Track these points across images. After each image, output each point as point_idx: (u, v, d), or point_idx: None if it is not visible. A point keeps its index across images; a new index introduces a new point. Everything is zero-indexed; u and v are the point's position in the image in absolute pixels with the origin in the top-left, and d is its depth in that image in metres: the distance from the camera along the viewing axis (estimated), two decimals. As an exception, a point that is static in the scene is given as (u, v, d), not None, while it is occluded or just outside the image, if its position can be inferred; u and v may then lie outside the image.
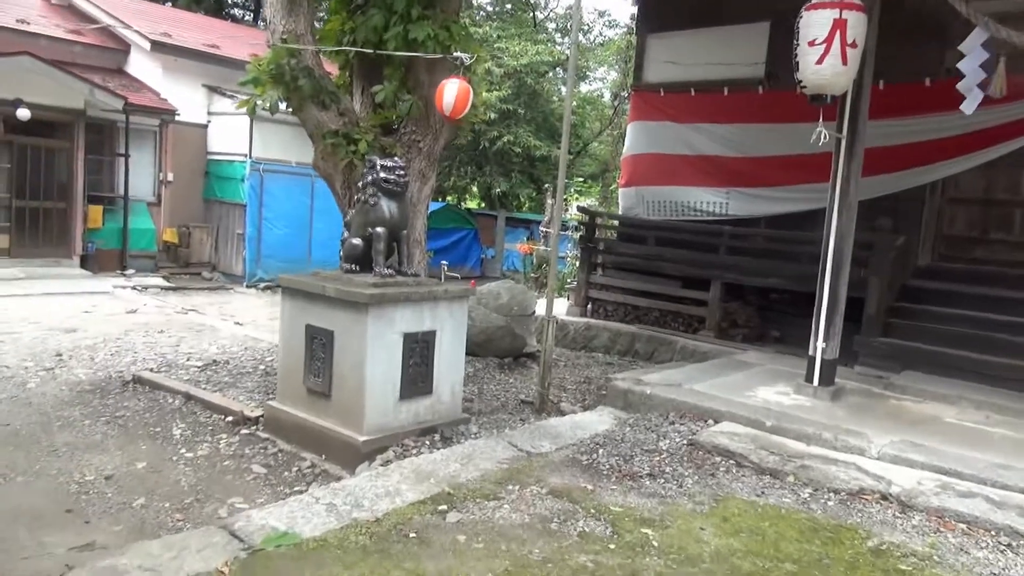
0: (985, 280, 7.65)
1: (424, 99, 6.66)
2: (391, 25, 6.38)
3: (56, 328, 9.06)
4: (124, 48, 15.83)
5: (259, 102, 6.33)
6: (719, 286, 8.81)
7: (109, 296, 11.89)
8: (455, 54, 5.92)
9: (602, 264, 10.14)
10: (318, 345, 4.99)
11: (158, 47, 14.85)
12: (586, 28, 23.20)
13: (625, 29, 22.53)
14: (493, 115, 18.05)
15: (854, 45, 5.30)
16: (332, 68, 7.52)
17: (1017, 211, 7.83)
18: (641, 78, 10.38)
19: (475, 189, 23.87)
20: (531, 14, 23.06)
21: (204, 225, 15.49)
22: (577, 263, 16.26)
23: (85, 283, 12.48)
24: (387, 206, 5.04)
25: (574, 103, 23.46)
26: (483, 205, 26.74)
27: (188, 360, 7.60)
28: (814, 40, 5.32)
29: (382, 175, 5.01)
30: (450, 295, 5.23)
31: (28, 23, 14.72)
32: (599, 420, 5.72)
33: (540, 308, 9.09)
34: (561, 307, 10.68)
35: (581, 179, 25.63)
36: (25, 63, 11.99)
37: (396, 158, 5.35)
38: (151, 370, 6.99)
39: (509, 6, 22.85)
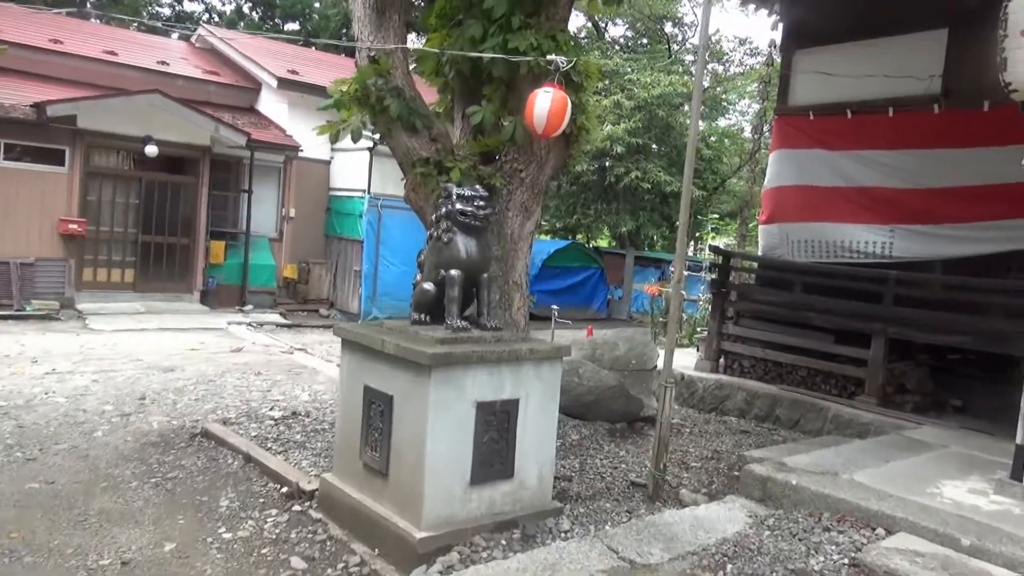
0: None
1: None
2: (488, 36, 5.55)
3: (155, 367, 8.79)
4: (255, 87, 16.11)
5: (343, 128, 5.64)
6: (882, 342, 7.29)
7: (222, 333, 11.73)
8: (550, 57, 4.98)
9: (738, 312, 8.81)
10: (376, 412, 4.11)
11: (284, 84, 14.95)
12: (725, 56, 21.83)
13: (767, 55, 21.02)
14: (621, 149, 17.03)
15: (1089, 33, 3.92)
16: (433, 95, 6.83)
17: None
18: (786, 101, 9.08)
19: (604, 228, 22.86)
20: (666, 45, 21.95)
21: (323, 261, 15.32)
22: (709, 306, 14.94)
23: (202, 319, 12.43)
24: (464, 244, 4.13)
25: (711, 137, 22.07)
26: (613, 244, 25.64)
27: (271, 409, 6.98)
28: (1031, 28, 3.98)
29: (458, 206, 4.12)
30: (538, 355, 4.22)
31: (168, 64, 15.24)
32: (728, 517, 4.50)
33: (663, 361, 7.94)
34: (689, 360, 9.41)
35: (717, 216, 24.05)
36: (155, 100, 12.21)
37: (477, 187, 4.45)
38: (225, 421, 6.40)
39: (645, 41, 21.93)
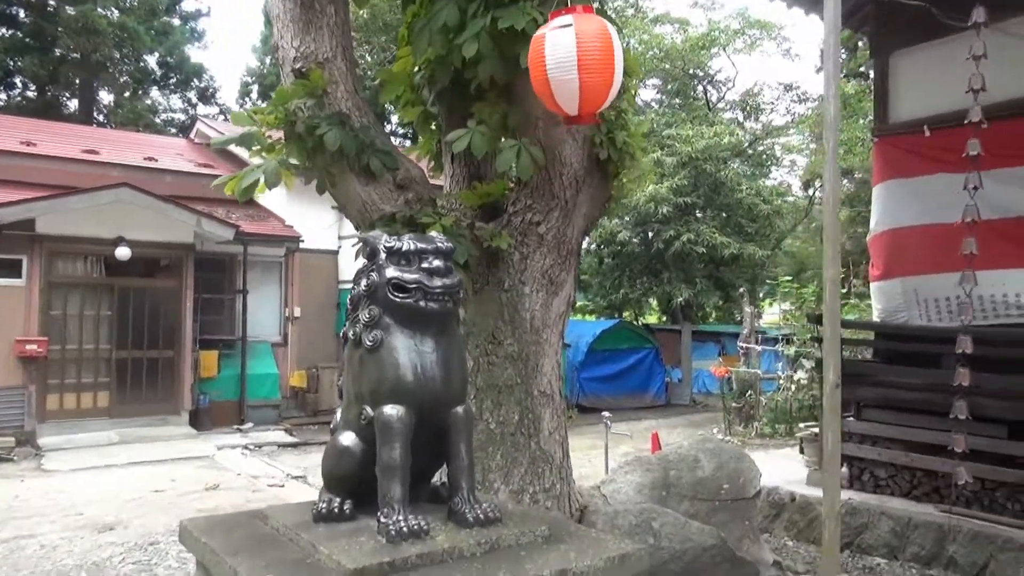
0: None
1: (542, 146, 3.79)
2: (469, 20, 3.59)
3: (92, 524, 6.77)
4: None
5: (257, 176, 3.66)
6: (1098, 437, 4.89)
7: (205, 463, 9.68)
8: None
9: (860, 402, 6.46)
10: None
11: (296, 171, 13.33)
12: (770, 108, 19.93)
13: (817, 103, 19.03)
14: (667, 210, 14.96)
15: None
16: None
17: None
18: (887, 118, 6.94)
19: (652, 301, 20.61)
20: (702, 89, 20.06)
21: (336, 365, 13.31)
22: (792, 387, 12.44)
23: (186, 446, 10.42)
24: (408, 351, 2.07)
25: (764, 195, 19.95)
26: (664, 319, 23.30)
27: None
28: None
29: (391, 274, 2.06)
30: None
31: (156, 160, 13.83)
32: None
33: (765, 475, 5.62)
34: (792, 468, 7.04)
35: (773, 280, 21.57)
36: (124, 195, 10.59)
37: (433, 234, 2.38)
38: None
39: (678, 101, 20.24)
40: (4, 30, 23.39)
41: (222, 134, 13.68)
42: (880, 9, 6.83)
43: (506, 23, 3.37)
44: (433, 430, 2.13)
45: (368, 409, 2.06)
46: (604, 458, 6.48)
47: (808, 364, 11.79)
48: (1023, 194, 5.86)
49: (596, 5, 3.06)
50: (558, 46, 2.72)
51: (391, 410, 2.00)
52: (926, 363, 6.04)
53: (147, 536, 6.41)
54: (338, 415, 2.38)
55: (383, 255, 2.13)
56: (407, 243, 2.14)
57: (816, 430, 6.98)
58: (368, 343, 2.06)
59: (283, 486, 8.48)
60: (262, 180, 3.58)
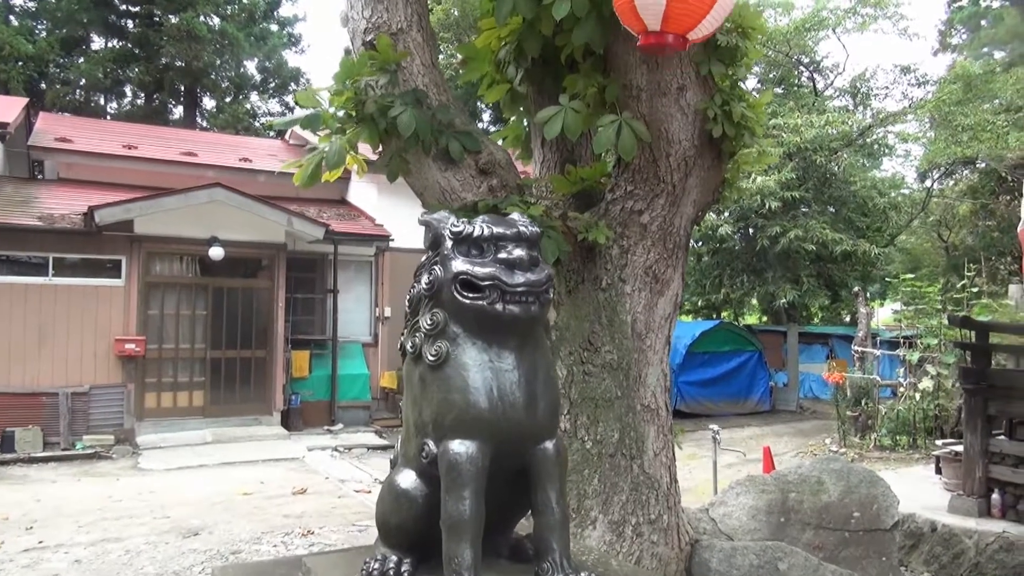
0: None
1: (646, 121, 3.27)
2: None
3: (178, 528, 6.65)
4: (345, 175, 14.49)
5: (319, 159, 3.28)
6: None
7: (295, 465, 9.56)
8: None
9: (1013, 420, 5.60)
10: None
11: (370, 167, 13.19)
12: (883, 93, 18.49)
13: (936, 86, 17.52)
14: (775, 204, 13.98)
15: None
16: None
17: None
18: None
19: (754, 301, 19.52)
20: (807, 76, 18.78)
21: (425, 366, 13.10)
22: (916, 395, 11.30)
23: (277, 447, 10.36)
24: (482, 369, 1.58)
25: (879, 188, 18.56)
26: (765, 320, 22.10)
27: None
28: None
29: (461, 267, 1.60)
30: None
31: (251, 161, 13.95)
32: None
33: (902, 501, 4.89)
34: (927, 491, 6.24)
35: (889, 278, 20.06)
36: (218, 195, 10.62)
37: (517, 216, 1.88)
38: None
39: (781, 89, 19.05)
40: (114, 41, 24.44)
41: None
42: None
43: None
44: (515, 469, 1.65)
45: (431, 444, 1.60)
46: (712, 476, 5.87)
47: (934, 371, 10.72)
48: None
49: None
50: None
51: (459, 447, 1.53)
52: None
53: (230, 544, 6.22)
54: (398, 445, 1.93)
55: (449, 242, 1.66)
56: (480, 227, 1.67)
57: (957, 448, 6.13)
58: (430, 358, 1.60)
59: (370, 491, 8.20)
60: (325, 165, 3.19)
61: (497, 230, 1.66)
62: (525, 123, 4.42)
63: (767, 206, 14.08)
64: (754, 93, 16.99)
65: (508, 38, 3.77)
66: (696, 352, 14.60)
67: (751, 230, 16.14)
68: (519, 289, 1.59)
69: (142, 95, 25.05)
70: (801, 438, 12.38)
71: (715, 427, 6.21)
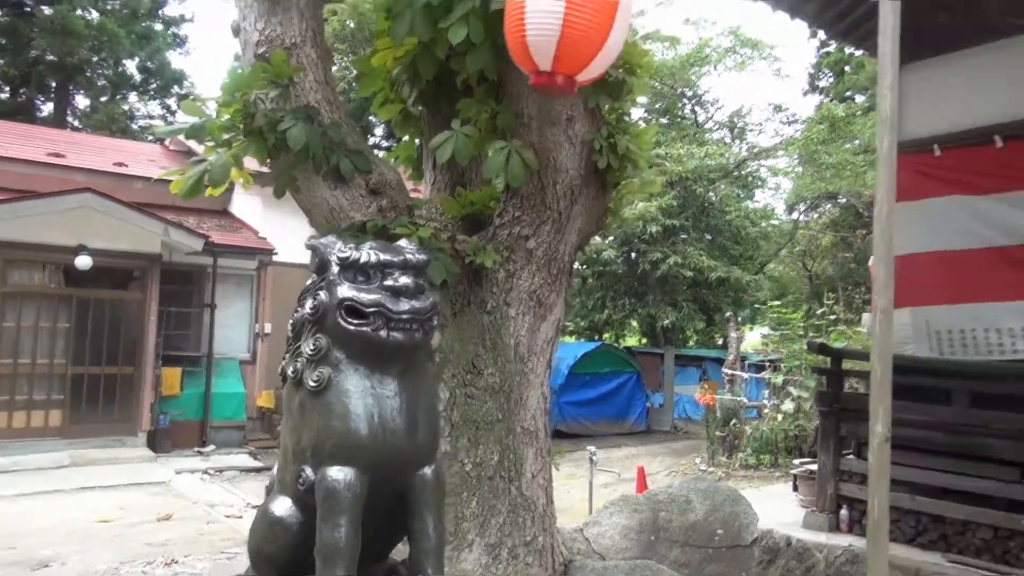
0: None
1: (535, 150, 3.36)
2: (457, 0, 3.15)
3: (25, 560, 6.16)
4: (228, 186, 14.02)
5: (200, 172, 3.19)
6: None
7: (160, 489, 9.08)
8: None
9: (861, 440, 6.04)
10: None
11: (256, 177, 12.81)
12: (758, 129, 19.71)
13: (805, 125, 18.80)
14: (655, 229, 14.58)
15: None
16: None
17: None
18: (897, 134, 6.58)
19: (635, 323, 20.20)
20: (690, 109, 19.73)
21: (307, 384, 12.76)
22: (779, 416, 11.98)
23: (141, 470, 9.80)
24: (364, 392, 1.59)
25: (751, 218, 19.66)
26: (644, 342, 22.91)
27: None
28: None
29: (346, 293, 1.60)
30: None
31: (126, 165, 13.24)
32: None
33: (762, 517, 5.18)
34: (785, 508, 6.61)
35: (757, 304, 21.26)
36: (89, 201, 10.02)
37: (405, 243, 1.91)
38: None
39: (665, 120, 19.92)
40: (-25, 29, 22.75)
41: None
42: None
43: (500, 3, 2.93)
44: (393, 496, 1.66)
45: (308, 471, 1.59)
46: (588, 495, 6.02)
47: (796, 393, 11.41)
48: (1043, 220, 5.48)
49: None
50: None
51: (337, 474, 1.53)
52: (935, 399, 5.66)
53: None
54: (275, 471, 1.90)
55: (335, 268, 1.67)
56: (367, 253, 1.68)
57: (812, 467, 6.55)
58: (311, 384, 1.60)
59: (241, 516, 7.90)
60: (214, 177, 3.10)
61: (384, 257, 1.68)
62: (417, 143, 4.44)
63: (649, 232, 14.66)
64: (640, 123, 17.69)
65: (403, 58, 3.79)
66: (578, 373, 14.93)
67: (634, 254, 16.74)
68: (404, 316, 1.61)
69: (7, 89, 23.34)
70: (674, 457, 12.86)
71: (592, 448, 6.39)
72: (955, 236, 5.87)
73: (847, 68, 25.40)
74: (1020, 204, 5.64)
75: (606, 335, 20.39)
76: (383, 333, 1.62)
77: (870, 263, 6.84)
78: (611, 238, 16.29)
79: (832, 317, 12.38)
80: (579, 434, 14.21)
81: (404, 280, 1.66)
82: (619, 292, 17.07)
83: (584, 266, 17.53)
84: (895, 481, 5.61)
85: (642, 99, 19.33)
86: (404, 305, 1.64)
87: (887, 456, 2.66)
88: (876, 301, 2.80)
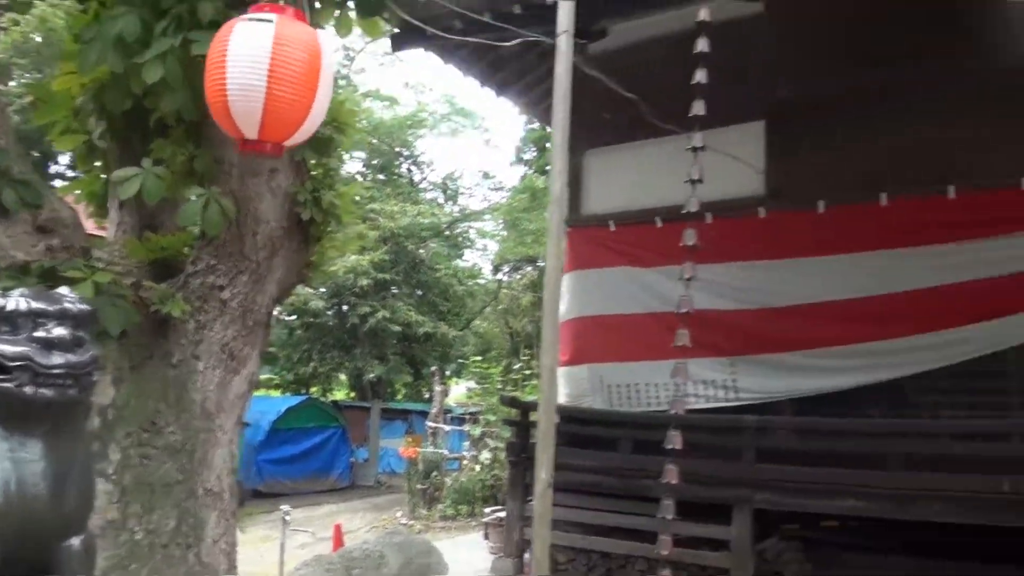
0: None
1: (235, 198, 3.26)
2: (158, 36, 3.00)
3: None
4: None
5: None
6: (747, 514, 5.41)
7: None
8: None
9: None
10: None
11: None
12: (469, 193, 20.91)
13: (510, 193, 20.33)
14: (366, 283, 14.68)
15: None
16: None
17: None
18: (580, 209, 7.40)
19: (343, 377, 19.98)
20: (406, 168, 20.36)
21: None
22: (477, 467, 12.53)
23: None
24: (1, 455, 1.40)
25: (459, 276, 20.61)
26: (352, 396, 22.72)
27: None
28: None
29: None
30: None
31: None
32: None
33: (453, 564, 5.38)
34: (476, 556, 6.90)
35: (462, 359, 22.26)
36: None
37: (65, 291, 1.75)
38: None
39: (382, 176, 20.33)
40: None
41: None
42: (575, 106, 7.33)
43: (201, 49, 2.83)
44: (33, 571, 1.47)
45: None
46: (279, 559, 5.75)
47: (493, 444, 12.02)
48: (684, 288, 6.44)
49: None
50: (248, 43, 2.27)
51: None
52: (608, 446, 6.32)
53: None
54: None
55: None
56: (16, 301, 1.50)
57: (502, 514, 6.95)
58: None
59: None
60: None
61: (37, 305, 1.52)
62: (104, 178, 4.07)
63: (360, 285, 14.71)
64: (357, 177, 17.74)
65: (91, 86, 3.48)
66: (280, 429, 14.36)
67: (344, 307, 16.65)
68: (55, 371, 1.46)
69: None
70: (376, 513, 12.81)
71: (286, 507, 6.18)
72: (625, 302, 6.71)
73: (548, 144, 28.06)
74: (674, 276, 6.59)
75: (313, 388, 19.88)
76: (29, 389, 1.46)
77: (560, 322, 7.55)
78: (322, 288, 16.10)
79: (528, 372, 13.31)
80: (279, 493, 13.57)
81: (59, 331, 1.51)
82: (327, 345, 16.82)
83: (293, 316, 17.06)
84: (571, 523, 6.18)
85: (360, 153, 19.60)
86: (57, 359, 1.49)
87: (549, 499, 2.93)
88: (546, 361, 3.10)
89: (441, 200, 20.62)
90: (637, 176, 6.72)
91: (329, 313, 16.76)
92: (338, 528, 6.60)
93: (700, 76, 3.63)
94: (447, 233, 19.01)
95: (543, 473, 2.87)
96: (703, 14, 3.51)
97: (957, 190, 5.48)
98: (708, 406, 6.27)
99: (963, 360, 5.52)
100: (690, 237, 3.81)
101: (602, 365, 6.71)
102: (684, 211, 3.87)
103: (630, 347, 6.58)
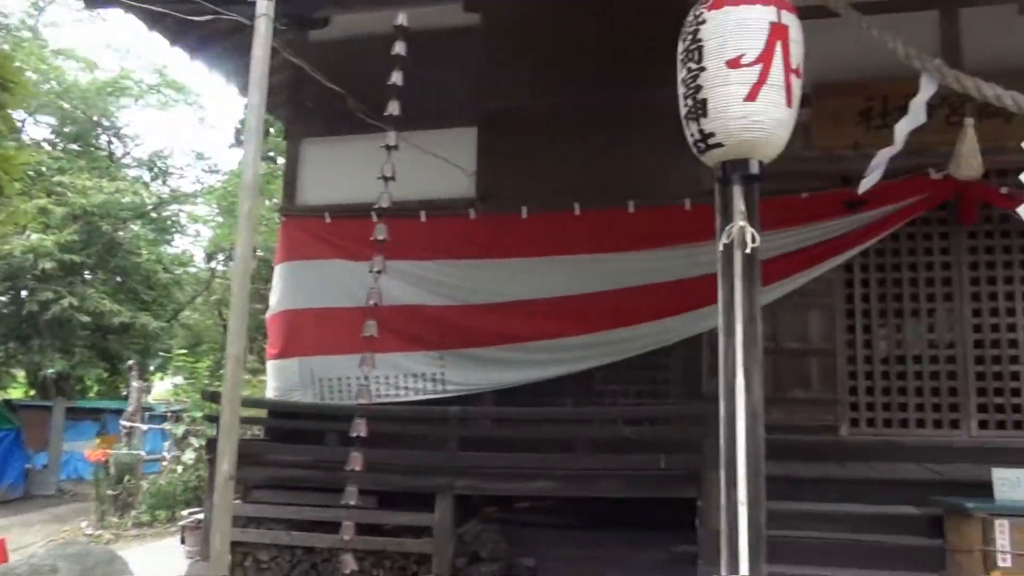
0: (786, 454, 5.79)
1: None
2: None
3: None
4: None
5: None
6: (449, 501, 5.67)
7: None
8: None
9: (246, 483, 6.29)
10: None
11: None
12: (180, 173, 19.24)
13: (227, 176, 19.14)
14: (50, 265, 12.91)
15: (799, 74, 2.94)
16: None
17: (813, 360, 6.21)
18: (294, 199, 7.22)
19: (20, 372, 17.41)
20: (106, 139, 18.21)
21: None
22: (179, 468, 11.62)
23: None
24: None
25: (165, 263, 18.93)
26: (33, 394, 19.89)
27: None
28: (739, 58, 2.83)
29: None
30: None
31: None
32: None
33: (144, 571, 4.98)
34: (171, 560, 6.48)
35: (167, 353, 20.49)
36: None
37: None
38: None
39: (76, 147, 17.97)
40: None
41: None
42: (294, 94, 7.15)
43: None
44: None
45: None
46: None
47: (197, 443, 11.27)
48: (402, 285, 6.57)
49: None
50: None
51: None
52: (315, 440, 6.24)
53: None
54: None
55: None
56: None
57: (200, 516, 6.56)
58: None
59: None
60: None
61: None
62: None
63: (42, 268, 12.94)
64: (44, 145, 15.57)
65: None
66: (-61, 434, 12.22)
67: (21, 292, 14.53)
68: None
69: None
70: (57, 524, 11.39)
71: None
72: (338, 295, 6.66)
73: (271, 130, 26.86)
74: (396, 273, 6.66)
75: (-20, 387, 17.11)
76: None
77: (267, 316, 7.30)
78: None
79: (206, 364, 12.68)
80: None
81: None
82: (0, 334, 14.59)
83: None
84: (277, 520, 6.02)
85: (50, 119, 17.20)
86: None
87: (231, 492, 2.85)
88: (232, 351, 3.00)
89: (147, 179, 18.81)
90: (353, 169, 6.71)
91: (3, 299, 14.53)
92: (2, 543, 5.75)
93: (396, 78, 3.75)
94: (153, 215, 17.41)
95: (224, 465, 2.77)
96: (401, 18, 3.62)
97: (636, 205, 6.22)
98: (418, 398, 6.46)
99: (640, 354, 6.29)
100: (381, 232, 3.91)
101: (313, 358, 6.62)
102: (376, 207, 3.94)
103: (342, 340, 6.54)
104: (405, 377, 6.40)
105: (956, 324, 5.95)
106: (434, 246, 6.59)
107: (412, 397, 6.38)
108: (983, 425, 5.86)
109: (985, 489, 4.55)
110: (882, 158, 3.64)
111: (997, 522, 4.01)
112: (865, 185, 3.70)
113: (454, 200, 6.66)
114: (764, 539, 3.24)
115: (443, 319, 6.43)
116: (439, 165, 6.51)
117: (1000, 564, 3.96)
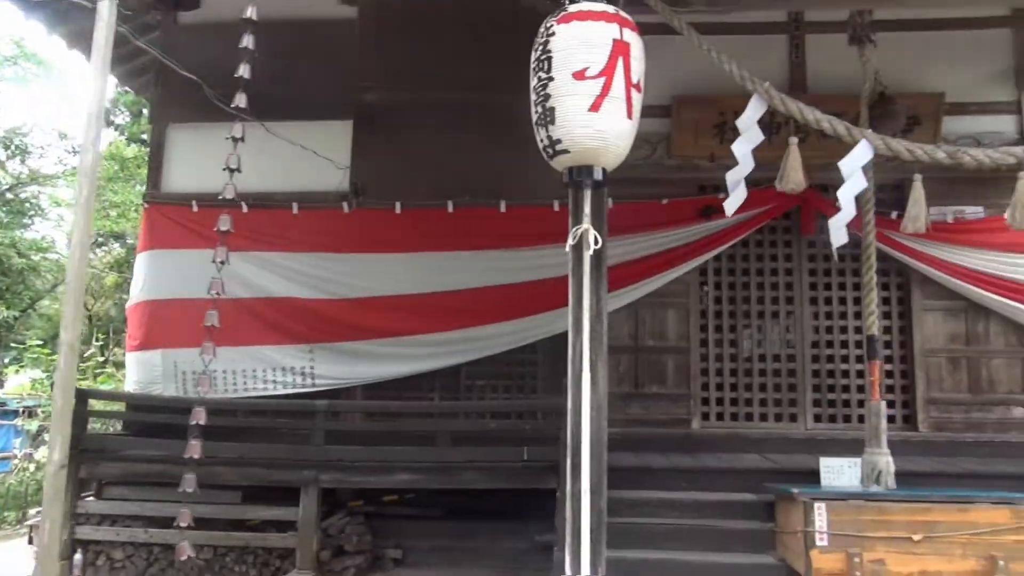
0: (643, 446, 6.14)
1: None
2: None
3: None
4: None
5: None
6: (315, 495, 5.65)
7: None
8: None
9: (101, 480, 6.05)
10: None
11: None
12: (40, 153, 17.95)
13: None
14: None
15: (639, 88, 3.16)
16: None
17: (669, 358, 6.56)
18: (160, 185, 6.98)
19: None
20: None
21: None
22: (32, 466, 10.94)
23: None
24: None
25: (20, 248, 17.66)
26: None
27: None
28: (584, 71, 3.01)
29: None
30: None
31: None
32: None
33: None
34: (16, 561, 6.14)
35: (22, 345, 19.11)
36: None
37: None
38: None
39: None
40: None
41: None
42: (160, 77, 6.91)
43: None
44: None
45: None
46: None
47: (54, 439, 10.65)
48: (271, 277, 6.50)
49: None
50: None
51: None
52: (175, 434, 6.06)
53: None
54: None
55: None
56: None
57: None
58: None
59: None
60: None
61: None
62: None
63: None
64: None
65: None
66: None
67: None
68: None
69: None
70: None
71: None
72: (204, 285, 6.47)
73: (145, 111, 25.55)
74: (266, 265, 6.60)
75: None
76: None
77: (128, 306, 7.02)
78: None
79: (102, 359, 12.07)
80: None
81: None
82: None
83: None
84: (134, 516, 5.82)
85: None
86: None
87: (62, 481, 2.79)
88: (65, 338, 2.94)
89: (2, 157, 17.48)
90: (223, 158, 6.55)
91: None
92: None
93: (244, 71, 3.74)
94: (9, 196, 16.24)
95: (56, 454, 2.71)
96: (250, 11, 3.62)
97: (508, 205, 6.39)
98: (286, 392, 6.39)
99: (507, 350, 6.47)
100: (224, 223, 3.89)
101: (177, 351, 6.43)
102: (220, 197, 3.93)
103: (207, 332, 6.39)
104: (274, 371, 6.32)
105: (796, 326, 6.46)
106: (307, 239, 6.55)
107: (281, 391, 6.31)
108: (817, 419, 6.40)
109: (816, 477, 4.99)
110: (735, 175, 3.87)
111: (816, 505, 4.40)
112: (731, 206, 3.90)
113: (328, 193, 6.62)
114: (605, 524, 3.46)
115: (314, 312, 6.39)
116: (313, 157, 6.47)
117: (818, 543, 4.36)
